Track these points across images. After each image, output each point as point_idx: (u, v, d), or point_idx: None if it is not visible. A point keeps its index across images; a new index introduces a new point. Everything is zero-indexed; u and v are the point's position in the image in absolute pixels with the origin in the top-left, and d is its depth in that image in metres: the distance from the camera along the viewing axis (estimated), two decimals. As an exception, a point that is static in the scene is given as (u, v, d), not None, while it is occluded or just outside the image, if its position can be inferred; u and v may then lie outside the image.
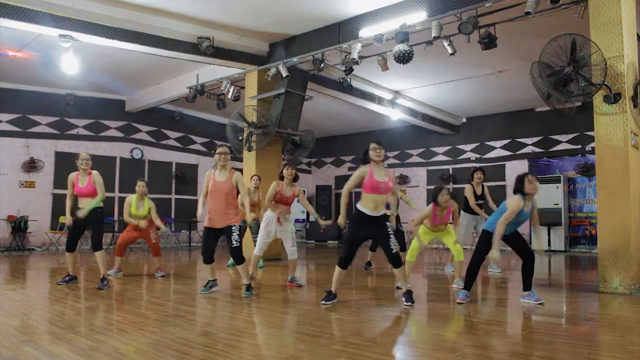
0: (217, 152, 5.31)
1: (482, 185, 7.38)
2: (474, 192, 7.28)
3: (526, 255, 4.82)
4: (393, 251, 4.66)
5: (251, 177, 8.29)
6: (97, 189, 5.80)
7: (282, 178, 6.01)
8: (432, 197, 5.77)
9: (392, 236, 4.70)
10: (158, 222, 7.05)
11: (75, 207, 5.84)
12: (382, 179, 4.61)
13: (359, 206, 4.68)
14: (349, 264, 4.83)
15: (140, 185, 6.98)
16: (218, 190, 5.25)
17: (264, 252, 6.18)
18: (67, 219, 5.85)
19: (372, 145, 4.63)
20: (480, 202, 7.30)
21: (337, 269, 4.84)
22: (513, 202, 4.66)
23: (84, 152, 5.99)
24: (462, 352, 3.13)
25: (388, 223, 4.74)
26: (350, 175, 4.87)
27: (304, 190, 6.65)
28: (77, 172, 5.89)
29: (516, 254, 4.95)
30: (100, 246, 5.88)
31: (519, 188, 4.66)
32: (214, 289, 5.56)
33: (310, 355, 3.07)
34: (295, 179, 6.06)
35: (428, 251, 12.25)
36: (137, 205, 6.93)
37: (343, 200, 4.63)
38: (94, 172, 5.87)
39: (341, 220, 4.75)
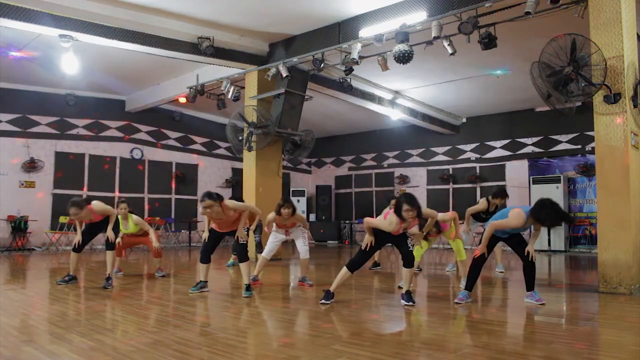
0: (202, 207, 5.14)
1: (496, 207, 7.17)
2: (487, 208, 7.09)
3: (525, 258, 4.79)
4: (410, 249, 4.74)
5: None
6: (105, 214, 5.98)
7: (279, 214, 5.86)
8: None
9: (409, 237, 4.83)
10: (154, 238, 6.85)
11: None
12: (406, 227, 4.71)
13: None
14: (358, 269, 4.88)
15: (121, 208, 6.76)
16: (224, 223, 5.35)
17: (272, 256, 6.19)
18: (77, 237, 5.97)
19: (404, 207, 4.48)
20: (489, 216, 7.21)
21: (345, 269, 4.83)
22: (516, 217, 4.53)
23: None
24: (462, 352, 3.13)
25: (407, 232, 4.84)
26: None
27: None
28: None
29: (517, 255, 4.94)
30: (113, 246, 5.94)
31: (537, 214, 4.45)
32: (204, 290, 5.55)
33: (310, 355, 3.07)
34: (293, 213, 5.88)
35: (428, 251, 12.23)
36: (124, 225, 6.74)
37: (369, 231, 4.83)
38: (93, 206, 5.86)
39: (368, 238, 4.85)
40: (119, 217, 6.72)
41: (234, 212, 5.25)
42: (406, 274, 4.82)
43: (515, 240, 4.83)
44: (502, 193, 7.17)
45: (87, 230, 6.02)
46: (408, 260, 4.76)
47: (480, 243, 4.93)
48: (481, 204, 7.18)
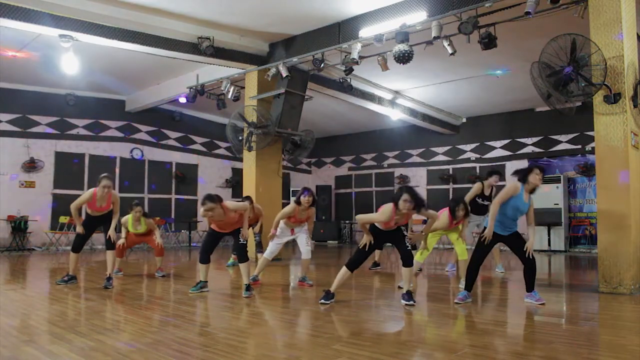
0: (203, 210, 5.00)
1: (492, 188, 7.28)
2: (482, 191, 7.20)
3: (526, 259, 4.77)
4: (408, 248, 4.77)
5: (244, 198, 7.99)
6: (114, 207, 5.95)
7: (298, 203, 5.86)
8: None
9: (406, 235, 4.85)
10: (158, 234, 7.01)
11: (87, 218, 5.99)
12: (398, 221, 4.74)
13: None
14: (357, 267, 4.88)
15: (136, 211, 6.78)
16: (226, 224, 5.29)
17: (273, 257, 6.19)
18: (78, 228, 5.90)
19: (404, 197, 4.54)
20: (485, 202, 7.22)
21: (344, 269, 4.84)
22: (510, 185, 4.71)
23: (105, 180, 5.81)
24: (462, 352, 3.13)
25: (402, 227, 4.88)
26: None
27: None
28: (94, 189, 5.84)
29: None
30: (113, 245, 5.95)
31: (522, 177, 4.70)
32: (204, 290, 5.55)
33: (310, 355, 3.07)
34: (312, 204, 5.91)
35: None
36: (134, 226, 6.86)
37: (365, 229, 4.79)
38: (113, 192, 5.98)
39: (366, 238, 4.79)
40: (130, 218, 6.83)
41: (234, 213, 5.24)
42: (406, 273, 4.81)
43: (516, 243, 4.79)
44: (494, 172, 7.25)
45: (88, 224, 5.96)
46: (407, 259, 4.77)
47: (477, 243, 4.89)
48: (476, 187, 7.23)
